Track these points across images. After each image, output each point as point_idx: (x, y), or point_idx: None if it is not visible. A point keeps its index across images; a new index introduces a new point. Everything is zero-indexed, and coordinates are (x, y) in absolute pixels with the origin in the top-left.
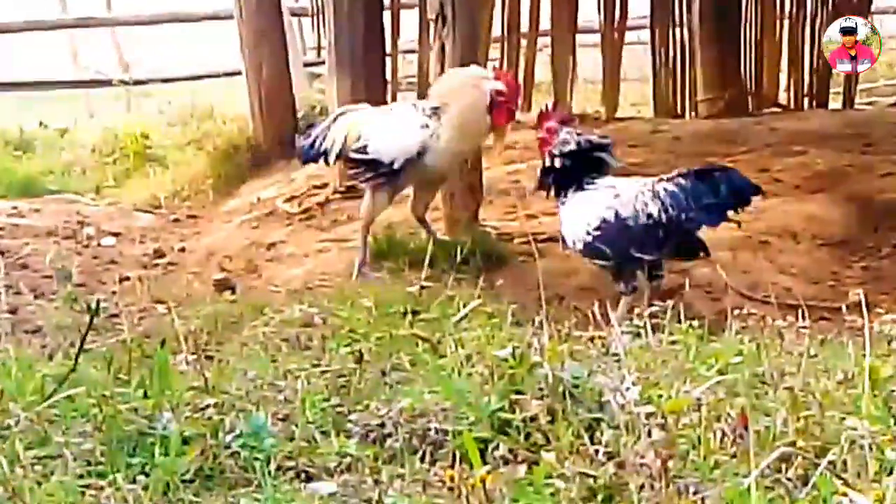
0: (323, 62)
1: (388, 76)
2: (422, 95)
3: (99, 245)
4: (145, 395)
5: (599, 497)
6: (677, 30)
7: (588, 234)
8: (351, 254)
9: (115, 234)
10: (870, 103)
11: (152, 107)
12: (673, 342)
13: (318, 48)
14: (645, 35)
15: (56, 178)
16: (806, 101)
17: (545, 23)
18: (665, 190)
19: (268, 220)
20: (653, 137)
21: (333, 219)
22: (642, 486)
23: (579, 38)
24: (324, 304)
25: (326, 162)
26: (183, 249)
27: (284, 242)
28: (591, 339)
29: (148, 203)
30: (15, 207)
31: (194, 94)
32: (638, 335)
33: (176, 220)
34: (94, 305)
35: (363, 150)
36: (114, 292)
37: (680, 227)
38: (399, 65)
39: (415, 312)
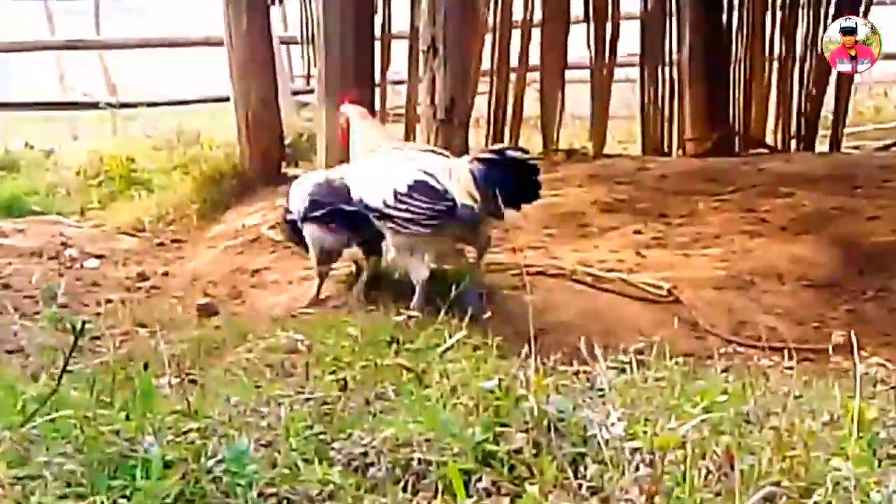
0: (311, 90)
1: (377, 106)
2: (409, 127)
3: (82, 267)
4: (128, 418)
5: None
6: (666, 68)
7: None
8: (333, 283)
9: (99, 257)
10: (857, 147)
11: (138, 130)
12: (658, 379)
13: (307, 76)
14: (633, 72)
15: (40, 198)
16: (793, 142)
17: (534, 58)
18: None
19: (252, 246)
20: (639, 175)
21: None
22: None
23: (568, 73)
24: (308, 331)
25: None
26: (167, 273)
27: (269, 269)
28: (577, 373)
29: (132, 226)
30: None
31: (181, 119)
32: (623, 371)
33: (160, 244)
34: (78, 326)
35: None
36: (97, 314)
37: None
38: (388, 95)
39: (400, 342)
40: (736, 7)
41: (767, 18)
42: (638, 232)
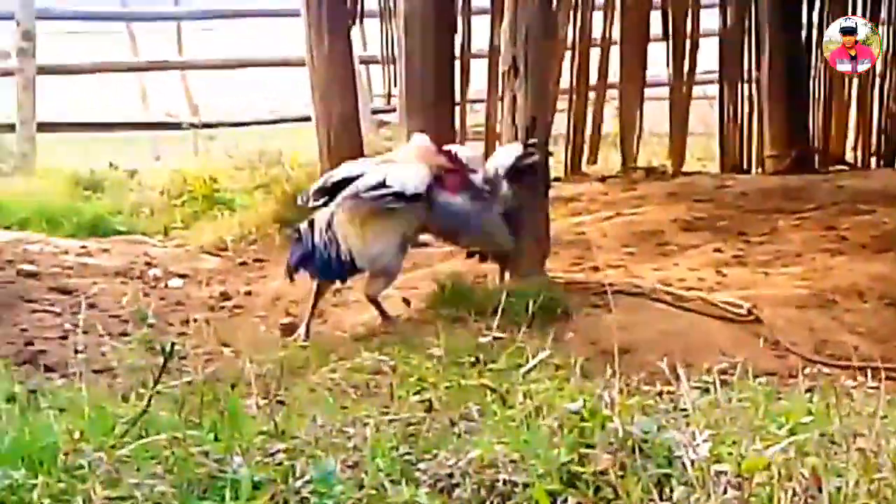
0: (390, 110)
1: (457, 125)
2: (489, 145)
3: (166, 286)
4: (216, 439)
5: None
6: (745, 85)
7: None
8: (415, 301)
9: (182, 276)
10: None
11: (219, 150)
12: (741, 399)
13: (388, 95)
14: (711, 89)
15: (125, 218)
16: (873, 159)
17: (614, 75)
18: None
19: None
20: (719, 192)
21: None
22: None
23: (647, 91)
24: (392, 351)
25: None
26: (249, 293)
27: (350, 288)
28: (660, 393)
29: (215, 246)
30: (84, 247)
31: (262, 139)
32: (706, 391)
33: (243, 264)
34: (167, 348)
35: None
36: (182, 334)
37: None
38: (467, 114)
39: (483, 362)
40: (815, 24)
41: None
42: (718, 250)
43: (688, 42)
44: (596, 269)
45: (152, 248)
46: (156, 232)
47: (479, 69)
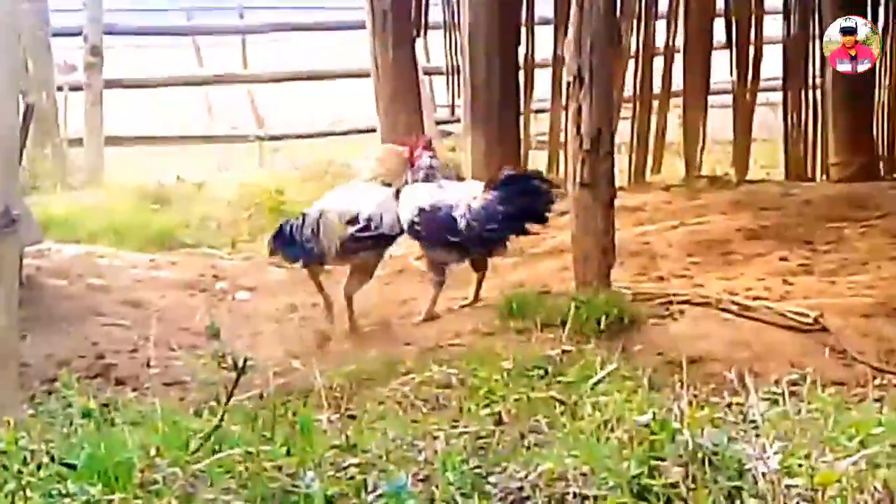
0: (454, 120)
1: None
2: (553, 154)
3: (233, 299)
4: (289, 453)
5: None
6: (810, 92)
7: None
8: (481, 313)
9: (250, 289)
10: None
11: (284, 162)
12: (811, 410)
13: (452, 106)
14: (774, 96)
15: (192, 231)
16: None
17: (677, 83)
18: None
19: (399, 276)
20: (784, 201)
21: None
22: None
23: (711, 98)
24: (461, 364)
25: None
26: (316, 304)
27: (416, 300)
28: (729, 405)
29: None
30: (153, 260)
31: (329, 151)
32: (775, 402)
33: None
34: (239, 362)
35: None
36: (250, 346)
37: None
38: (531, 123)
39: (551, 374)
40: (879, 32)
41: None
42: (783, 259)
43: (751, 49)
44: (661, 279)
45: (220, 260)
46: (223, 245)
47: (543, 79)
